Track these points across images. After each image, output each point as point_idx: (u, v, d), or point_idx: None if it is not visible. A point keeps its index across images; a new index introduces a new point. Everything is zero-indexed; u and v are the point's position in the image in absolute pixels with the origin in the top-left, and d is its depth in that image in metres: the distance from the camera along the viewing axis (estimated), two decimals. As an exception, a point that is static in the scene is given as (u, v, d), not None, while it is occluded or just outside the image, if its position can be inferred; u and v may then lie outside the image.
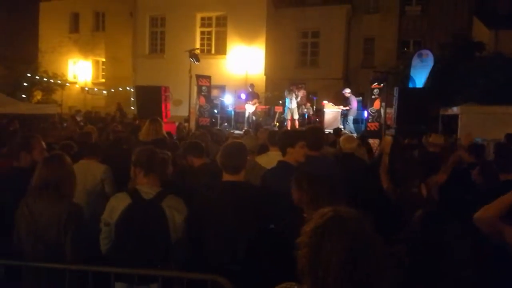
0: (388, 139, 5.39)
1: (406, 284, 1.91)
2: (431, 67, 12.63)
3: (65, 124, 10.68)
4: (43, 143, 3.35)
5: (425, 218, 2.31)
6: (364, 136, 9.26)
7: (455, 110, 11.33)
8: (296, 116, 13.30)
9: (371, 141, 10.12)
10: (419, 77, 12.68)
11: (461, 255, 2.06)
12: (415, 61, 13.03)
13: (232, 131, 12.35)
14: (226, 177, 2.63)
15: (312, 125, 6.49)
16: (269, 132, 4.84)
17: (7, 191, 2.85)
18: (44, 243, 2.49)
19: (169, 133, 6.62)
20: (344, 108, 13.68)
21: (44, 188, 2.53)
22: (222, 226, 2.49)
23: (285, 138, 3.40)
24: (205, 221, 2.57)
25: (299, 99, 13.62)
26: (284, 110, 14.04)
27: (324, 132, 4.03)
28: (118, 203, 2.55)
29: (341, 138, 4.96)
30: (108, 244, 2.61)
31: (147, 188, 2.57)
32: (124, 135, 6.04)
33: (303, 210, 2.48)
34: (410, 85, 12.69)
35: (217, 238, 2.51)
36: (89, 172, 3.66)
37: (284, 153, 3.32)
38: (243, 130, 11.16)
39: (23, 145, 3.24)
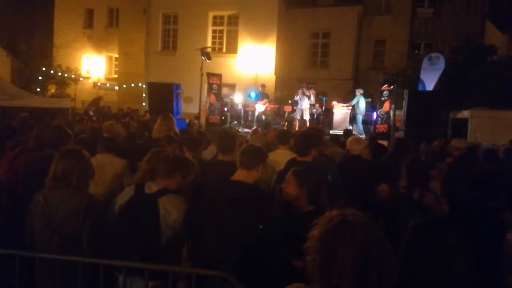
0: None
1: None
2: (442, 70, 12.57)
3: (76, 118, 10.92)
4: None
5: None
6: (373, 138, 9.30)
7: (465, 114, 11.27)
8: (306, 117, 13.36)
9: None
10: (429, 80, 12.65)
11: None
12: (425, 63, 13.00)
13: (239, 129, 12.49)
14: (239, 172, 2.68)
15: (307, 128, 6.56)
16: (278, 132, 4.97)
17: None
18: (60, 235, 2.55)
19: (181, 131, 6.74)
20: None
21: (61, 181, 2.58)
22: (221, 225, 2.50)
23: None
24: (206, 218, 2.60)
25: (312, 100, 13.66)
26: (294, 110, 14.12)
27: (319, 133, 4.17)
28: (124, 195, 2.72)
29: (349, 140, 4.96)
30: None
31: (154, 185, 2.68)
32: (137, 130, 6.20)
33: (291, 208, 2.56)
34: (420, 88, 12.66)
35: (215, 236, 2.53)
36: (109, 166, 3.76)
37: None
38: (252, 129, 11.26)
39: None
